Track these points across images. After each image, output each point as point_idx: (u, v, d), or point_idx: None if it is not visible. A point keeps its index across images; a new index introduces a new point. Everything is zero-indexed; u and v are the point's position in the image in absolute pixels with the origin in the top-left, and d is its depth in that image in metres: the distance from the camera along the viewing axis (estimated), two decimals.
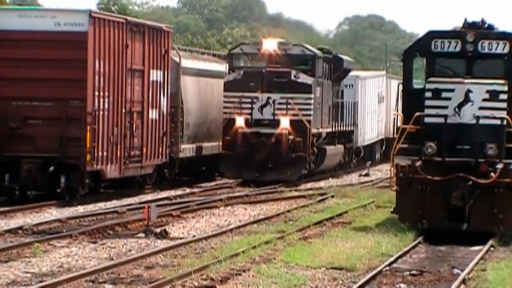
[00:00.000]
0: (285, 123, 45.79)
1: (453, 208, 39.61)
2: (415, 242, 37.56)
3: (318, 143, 50.07)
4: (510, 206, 40.72)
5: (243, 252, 34.54)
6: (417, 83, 42.35)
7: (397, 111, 44.62)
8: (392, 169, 43.26)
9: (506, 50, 41.96)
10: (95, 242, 36.01)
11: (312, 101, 47.43)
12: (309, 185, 60.01)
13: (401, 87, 45.51)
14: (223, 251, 34.70)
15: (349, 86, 61.78)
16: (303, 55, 49.12)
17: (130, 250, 34.56)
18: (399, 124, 43.22)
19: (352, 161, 63.46)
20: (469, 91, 41.02)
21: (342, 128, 57.44)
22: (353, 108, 61.58)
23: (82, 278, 28.74)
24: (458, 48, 41.93)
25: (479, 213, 39.43)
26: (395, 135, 44.44)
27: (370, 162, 76.90)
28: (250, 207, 47.23)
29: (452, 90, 41.06)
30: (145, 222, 38.85)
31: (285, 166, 46.56)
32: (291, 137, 46.15)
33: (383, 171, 62.67)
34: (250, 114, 46.98)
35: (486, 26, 42.78)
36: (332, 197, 54.45)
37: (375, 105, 68.77)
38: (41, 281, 28.21)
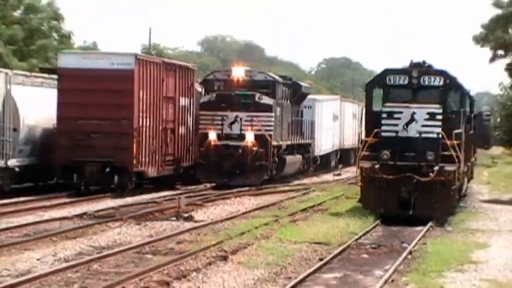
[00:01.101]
0: (249, 137, 45.36)
1: (402, 199, 39.85)
2: (374, 224, 37.84)
3: (278, 153, 49.05)
4: (443, 197, 40.93)
5: (248, 231, 34.73)
6: (376, 107, 42.33)
7: (361, 128, 44.79)
8: (357, 170, 43.44)
9: (441, 83, 42.15)
10: (139, 224, 36.38)
11: (273, 119, 46.61)
12: (296, 182, 60.42)
13: (364, 110, 45.75)
14: (234, 231, 34.86)
15: (308, 107, 60.79)
16: (265, 81, 48.51)
17: (165, 230, 34.70)
18: (363, 137, 43.36)
19: (310, 167, 61.37)
20: (414, 113, 41.17)
21: (300, 141, 56.40)
22: (311, 125, 60.58)
23: (130, 251, 28.89)
24: (406, 82, 42.06)
25: (421, 203, 39.63)
26: (359, 146, 44.53)
27: (341, 165, 76.22)
28: (253, 198, 47.28)
29: (401, 112, 41.20)
30: (177, 209, 38.99)
31: (250, 173, 45.61)
32: (254, 149, 45.45)
33: (351, 172, 62.46)
34: (221, 129, 46.23)
35: (426, 65, 42.87)
36: (313, 191, 54.58)
37: (331, 122, 67.85)
38: (100, 252, 28.32)
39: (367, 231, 35.80)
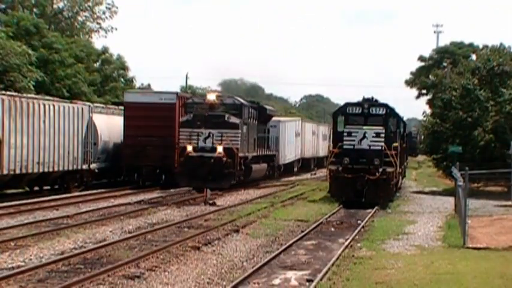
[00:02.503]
0: (220, 149, 42.40)
1: (357, 190, 39.73)
2: (338, 208, 37.77)
3: (245, 162, 45.88)
4: (385, 190, 40.89)
5: (253, 212, 34.74)
6: (340, 128, 42.19)
7: (330, 143, 44.68)
8: (327, 171, 43.46)
9: (383, 112, 42.11)
10: (179, 207, 36.05)
11: (239, 135, 43.47)
12: (285, 179, 60.57)
13: (331, 131, 45.78)
14: (243, 212, 34.81)
15: (274, 126, 57.32)
16: (233, 104, 45.16)
17: (196, 211, 34.48)
18: (331, 149, 43.26)
19: (275, 173, 57.60)
20: (365, 133, 41.10)
21: (266, 153, 52.78)
22: (276, 140, 57.16)
23: (172, 226, 28.87)
24: (360, 111, 41.99)
25: (370, 193, 39.56)
26: (329, 155, 44.49)
27: (316, 168, 76.33)
28: (256, 190, 47.30)
29: (357, 132, 41.13)
30: (204, 198, 38.97)
31: (220, 178, 42.43)
32: (224, 159, 42.32)
33: (324, 172, 62.14)
34: (197, 143, 42.85)
35: (374, 100, 42.86)
36: (297, 185, 54.57)
37: (293, 138, 64.32)
38: (152, 227, 28.35)
39: (334, 213, 35.76)
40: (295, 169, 66.19)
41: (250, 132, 46.50)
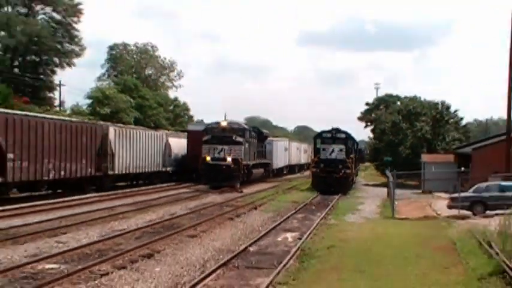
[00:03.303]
0: (229, 159, 39.92)
1: (328, 184, 39.60)
2: (317, 195, 37.49)
3: (248, 168, 43.10)
4: (345, 184, 40.82)
5: (265, 197, 34.64)
6: (318, 146, 42.11)
7: (313, 154, 44.56)
8: (310, 172, 43.46)
9: (344, 136, 42.06)
10: (220, 194, 35.74)
11: (243, 149, 41.06)
12: (286, 177, 60.70)
13: (313, 147, 45.70)
14: (259, 197, 34.74)
15: (269, 143, 54.51)
16: (239, 128, 42.55)
17: (231, 196, 34.29)
18: (312, 158, 43.25)
19: (270, 175, 53.85)
20: (333, 149, 41.08)
21: (263, 161, 50.03)
22: (271, 153, 54.47)
23: (217, 205, 28.84)
24: (330, 135, 41.81)
25: (336, 186, 39.40)
26: (311, 162, 44.46)
27: (303, 171, 74.69)
28: (267, 184, 47.26)
29: (328, 148, 41.12)
30: (236, 188, 38.93)
31: (229, 179, 39.69)
32: (232, 166, 39.89)
33: (306, 173, 62.08)
34: (213, 155, 40.30)
35: (338, 128, 42.82)
36: (291, 181, 54.52)
37: (283, 151, 61.76)
38: (204, 206, 28.38)
39: (314, 197, 35.58)
40: (285, 172, 63.81)
41: (251, 147, 44.54)
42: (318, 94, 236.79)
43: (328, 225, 22.78)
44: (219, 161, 40.17)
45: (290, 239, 19.09)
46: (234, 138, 40.84)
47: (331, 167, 40.55)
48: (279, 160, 58.70)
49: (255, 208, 28.42)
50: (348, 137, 43.27)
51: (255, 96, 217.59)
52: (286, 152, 64.07)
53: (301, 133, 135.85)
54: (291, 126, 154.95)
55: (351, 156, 42.57)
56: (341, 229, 21.61)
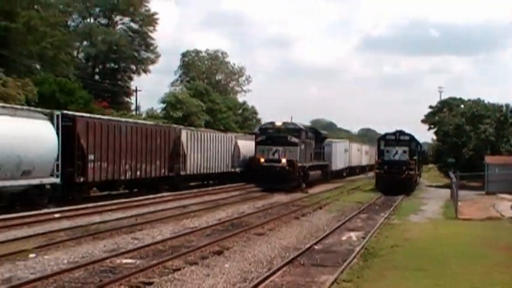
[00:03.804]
0: (284, 161, 37.63)
1: (392, 185, 39.05)
2: (380, 195, 37.03)
3: (303, 170, 39.99)
4: (409, 185, 40.23)
5: (330, 197, 34.50)
6: (381, 148, 41.66)
7: (376, 156, 43.96)
8: (374, 173, 43.05)
9: (408, 138, 41.91)
10: (286, 194, 35.25)
11: (298, 150, 38.52)
12: (349, 178, 60.22)
13: (376, 149, 45.10)
14: (324, 197, 34.60)
15: (328, 144, 51.54)
16: (294, 128, 39.95)
17: (296, 196, 34.22)
18: (376, 160, 42.76)
19: (328, 177, 49.90)
20: (397, 151, 40.59)
21: (321, 163, 46.79)
22: (329, 154, 51.34)
23: (283, 204, 28.67)
24: (394, 138, 41.56)
25: (400, 187, 38.84)
26: (375, 164, 44.00)
27: (369, 173, 70.55)
28: (331, 184, 46.94)
29: (392, 150, 40.68)
30: (302, 188, 38.84)
31: (283, 181, 37.32)
32: (286, 168, 37.47)
33: (368, 174, 61.29)
34: (267, 156, 38.16)
35: (402, 131, 42.34)
36: (355, 182, 54.06)
37: (342, 153, 58.60)
38: (271, 205, 28.34)
39: (377, 198, 35.17)
40: (344, 174, 60.69)
41: (308, 149, 41.61)
42: (382, 97, 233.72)
43: (391, 225, 22.45)
44: (273, 162, 38.02)
45: (354, 238, 18.90)
46: (289, 138, 38.58)
47: (395, 169, 39.97)
48: (339, 162, 56.26)
49: (320, 208, 28.26)
50: (412, 139, 42.62)
51: (320, 99, 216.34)
52: (347, 154, 61.43)
53: (364, 135, 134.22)
54: (354, 129, 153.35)
55: (414, 157, 41.88)
56: (404, 229, 21.25)
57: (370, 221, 23.83)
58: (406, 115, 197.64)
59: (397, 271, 13.30)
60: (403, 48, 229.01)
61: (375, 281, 12.43)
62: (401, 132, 42.25)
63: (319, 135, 46.68)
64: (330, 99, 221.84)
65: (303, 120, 78.05)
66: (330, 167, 51.59)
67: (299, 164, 38.52)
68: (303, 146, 39.67)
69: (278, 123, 40.14)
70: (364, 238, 18.55)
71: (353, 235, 19.57)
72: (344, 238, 18.91)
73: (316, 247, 16.73)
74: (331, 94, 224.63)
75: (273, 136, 38.94)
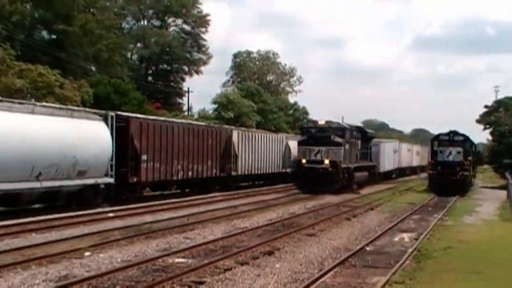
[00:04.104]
0: (326, 162, 35.38)
1: (445, 186, 38.30)
2: (433, 196, 36.40)
3: (348, 171, 37.94)
4: (463, 186, 39.45)
5: (381, 198, 34.15)
6: (435, 148, 40.94)
7: (429, 157, 43.09)
8: (427, 174, 42.38)
9: (462, 139, 41.27)
10: (337, 195, 34.94)
11: (342, 151, 36.22)
12: (401, 179, 59.29)
13: (429, 150, 44.27)
14: (375, 197, 34.23)
15: (375, 144, 48.94)
16: (338, 127, 37.66)
17: (348, 197, 33.97)
18: (429, 160, 42.04)
19: (376, 179, 47.69)
20: (450, 151, 39.87)
21: (367, 164, 44.34)
22: (377, 155, 48.79)
23: (334, 205, 28.44)
24: (447, 138, 40.76)
25: (454, 188, 38.07)
26: (428, 164, 43.30)
27: (421, 174, 69.24)
28: (383, 185, 46.42)
29: (445, 150, 39.98)
30: (354, 189, 38.53)
31: (326, 183, 35.00)
32: (329, 169, 35.27)
33: (424, 175, 60.21)
34: (310, 157, 35.93)
35: (456, 131, 41.64)
36: (407, 182, 53.33)
37: (391, 153, 56.02)
38: (322, 206, 28.18)
39: (431, 199, 34.60)
40: (393, 175, 58.15)
41: (353, 149, 39.30)
42: (435, 97, 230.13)
43: (445, 227, 22.05)
44: (316, 163, 35.83)
45: (406, 239, 18.63)
46: (332, 138, 36.37)
47: (449, 169, 39.24)
48: (387, 162, 53.99)
49: (372, 209, 27.97)
50: (466, 139, 41.79)
51: (372, 100, 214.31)
52: (396, 154, 59.09)
53: (417, 136, 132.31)
54: (407, 129, 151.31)
55: (469, 158, 41.05)
56: (458, 230, 20.85)
57: (423, 222, 23.45)
58: (460, 115, 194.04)
59: (450, 273, 13.05)
60: (457, 47, 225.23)
61: (427, 283, 12.23)
62: (455, 133, 41.48)
63: (365, 134, 44.34)
64: (382, 99, 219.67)
65: (355, 120, 77.21)
66: (378, 168, 49.58)
67: (343, 165, 36.61)
68: (347, 146, 37.68)
69: (321, 122, 38.11)
70: (416, 239, 18.27)
71: (405, 236, 19.29)
72: (396, 239, 18.66)
73: (367, 248, 16.55)
74: (384, 94, 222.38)
75: (315, 136, 36.88)
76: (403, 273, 13.06)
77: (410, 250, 15.99)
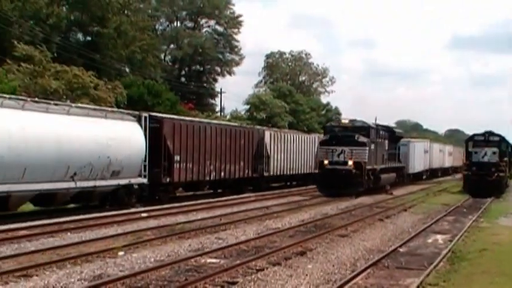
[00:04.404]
0: (350, 163, 32.99)
1: (480, 187, 37.65)
2: (468, 197, 35.90)
3: (374, 173, 35.63)
4: (498, 187, 38.83)
5: (415, 199, 33.72)
6: (469, 149, 40.34)
7: (464, 157, 42.44)
8: (462, 175, 41.82)
9: (497, 139, 40.71)
10: (370, 196, 34.47)
11: (367, 151, 33.79)
12: (435, 180, 58.50)
13: (464, 150, 43.51)
14: (409, 199, 33.85)
15: (404, 144, 46.77)
16: (362, 126, 35.06)
17: (381, 198, 33.68)
18: (464, 161, 41.48)
19: (405, 180, 45.53)
20: (486, 152, 39.25)
21: (395, 165, 42.03)
22: (406, 155, 46.67)
23: (367, 206, 28.22)
24: (482, 139, 40.28)
25: (488, 189, 37.40)
26: (463, 165, 42.70)
27: (454, 174, 68.46)
28: (416, 186, 45.91)
29: (480, 151, 39.34)
30: (386, 190, 38.15)
31: (350, 186, 32.72)
32: (353, 171, 32.91)
33: (459, 176, 59.42)
34: (332, 158, 33.40)
35: (491, 131, 41.12)
36: (441, 183, 52.64)
37: (422, 154, 53.65)
38: (355, 206, 28.00)
39: (465, 201, 34.08)
40: (424, 176, 55.42)
41: (379, 149, 36.83)
42: (470, 97, 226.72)
43: (480, 228, 21.73)
44: (338, 165, 33.44)
45: (440, 241, 18.41)
46: (356, 138, 34.00)
47: (484, 170, 38.63)
48: (417, 163, 51.74)
49: (405, 210, 27.69)
50: (502, 140, 41.20)
51: (406, 100, 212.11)
52: (426, 155, 56.63)
53: (452, 136, 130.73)
54: (441, 130, 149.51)
55: (505, 159, 40.41)
56: (494, 232, 20.52)
57: (457, 224, 23.16)
58: (496, 115, 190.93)
59: (485, 276, 12.86)
60: (493, 46, 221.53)
61: (462, 285, 12.07)
62: (490, 133, 40.89)
63: (393, 133, 41.92)
64: (416, 100, 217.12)
65: (388, 121, 76.44)
66: (407, 169, 47.47)
67: (368, 167, 34.30)
68: (372, 146, 35.34)
69: (344, 121, 36.26)
70: (451, 241, 18.03)
71: (439, 238, 19.07)
72: (430, 241, 18.46)
73: (400, 249, 16.40)
74: (418, 95, 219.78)
75: (337, 135, 34.51)
76: (436, 275, 12.91)
77: (444, 252, 15.79)
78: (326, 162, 33.73)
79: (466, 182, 40.11)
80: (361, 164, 33.51)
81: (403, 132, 50.51)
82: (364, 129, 35.12)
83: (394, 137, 41.96)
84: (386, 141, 39.46)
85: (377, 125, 37.67)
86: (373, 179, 35.62)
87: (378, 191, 37.01)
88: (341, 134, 34.49)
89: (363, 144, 34.04)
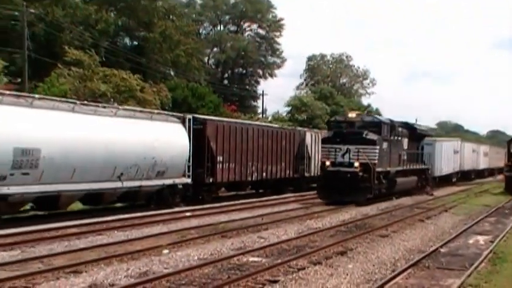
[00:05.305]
0: (356, 164, 27.50)
1: None
2: (510, 199, 34.97)
3: (387, 176, 29.96)
4: None
5: (456, 200, 33.14)
6: (511, 150, 39.53)
7: (506, 159, 41.49)
8: (503, 176, 40.95)
9: None
10: (410, 196, 34.00)
11: (377, 150, 28.14)
12: (477, 181, 57.34)
13: (506, 151, 42.57)
14: (449, 200, 33.27)
15: (429, 143, 40.45)
16: (372, 121, 29.65)
17: (421, 199, 33.05)
18: (506, 162, 40.62)
19: (428, 184, 38.42)
20: None
21: (417, 167, 35.70)
22: (431, 156, 40.52)
23: (407, 207, 27.88)
24: None
25: None
26: (504, 166, 41.75)
27: (494, 175, 65.45)
28: (456, 187, 45.14)
29: None
30: (426, 191, 37.44)
31: (356, 192, 27.44)
32: (360, 174, 27.47)
33: (500, 177, 58.10)
34: (335, 158, 27.96)
35: None
36: (482, 185, 51.64)
37: (451, 154, 47.25)
38: (395, 207, 27.72)
39: (507, 202, 33.29)
40: (454, 179, 49.06)
41: (393, 148, 30.79)
42: None
43: None
44: (343, 166, 28.10)
45: (482, 242, 18.07)
46: (364, 135, 28.48)
47: None
48: (444, 165, 45.46)
49: (446, 211, 27.25)
50: None
51: (447, 101, 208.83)
52: (457, 155, 50.46)
53: (494, 137, 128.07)
54: (483, 131, 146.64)
55: None
56: None
57: (498, 225, 22.68)
58: None
59: None
60: None
61: (503, 286, 11.84)
62: None
63: (413, 131, 35.47)
64: (457, 101, 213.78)
65: (429, 122, 75.36)
66: (432, 171, 41.40)
67: (378, 169, 28.57)
68: (385, 145, 29.61)
69: (351, 115, 30.77)
70: (492, 242, 17.68)
71: (480, 239, 18.72)
72: (471, 242, 18.13)
73: (441, 250, 16.16)
74: (459, 96, 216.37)
75: (342, 132, 29.07)
76: (478, 275, 12.69)
77: (485, 253, 15.51)
78: (328, 163, 28.62)
79: (508, 183, 39.27)
80: (369, 166, 27.91)
81: (427, 129, 43.67)
82: (374, 124, 29.55)
83: (415, 135, 35.73)
84: (406, 140, 33.65)
85: (392, 121, 31.73)
86: (385, 183, 30.09)
87: (419, 192, 36.23)
88: (347, 130, 29.18)
89: (372, 142, 28.43)
